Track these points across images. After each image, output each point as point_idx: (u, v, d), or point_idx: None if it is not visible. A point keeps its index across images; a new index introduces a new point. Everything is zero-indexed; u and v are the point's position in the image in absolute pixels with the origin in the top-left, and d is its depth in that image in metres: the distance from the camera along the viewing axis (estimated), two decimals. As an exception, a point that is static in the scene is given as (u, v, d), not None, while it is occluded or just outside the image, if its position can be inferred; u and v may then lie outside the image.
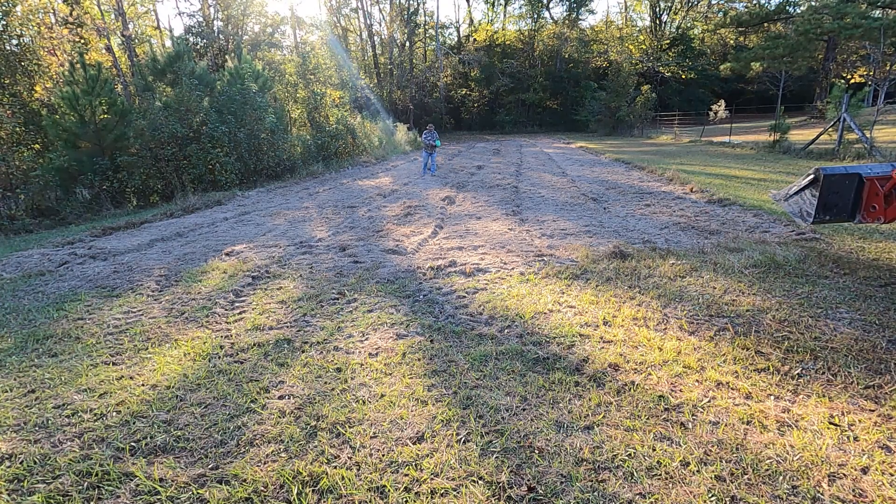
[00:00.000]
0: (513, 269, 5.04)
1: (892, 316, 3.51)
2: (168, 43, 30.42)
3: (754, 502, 1.94)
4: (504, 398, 2.70)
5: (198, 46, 27.10)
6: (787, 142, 16.55)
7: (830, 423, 2.40)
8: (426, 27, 43.93)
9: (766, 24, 35.35)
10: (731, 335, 3.32)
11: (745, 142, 19.98)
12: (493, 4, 49.88)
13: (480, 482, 2.10)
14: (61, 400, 2.88)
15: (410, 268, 5.21)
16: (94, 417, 2.69)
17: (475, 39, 47.50)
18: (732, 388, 2.71)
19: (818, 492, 1.99)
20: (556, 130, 40.00)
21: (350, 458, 2.28)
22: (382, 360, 3.20)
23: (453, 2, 78.15)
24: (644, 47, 44.92)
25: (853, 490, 1.99)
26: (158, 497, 2.09)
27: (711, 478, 2.07)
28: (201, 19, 28.63)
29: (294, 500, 2.05)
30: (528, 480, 2.09)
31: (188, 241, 7.25)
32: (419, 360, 3.18)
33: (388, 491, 2.07)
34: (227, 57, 21.51)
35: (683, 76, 42.15)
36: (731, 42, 45.38)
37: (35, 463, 2.33)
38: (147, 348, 3.55)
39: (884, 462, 2.13)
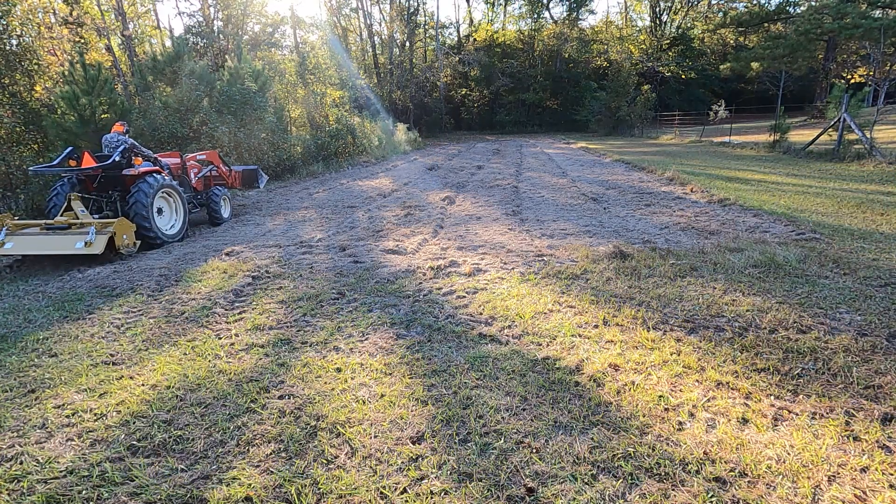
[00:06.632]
0: (513, 269, 5.04)
1: (892, 316, 3.51)
2: (168, 43, 30.40)
3: (754, 502, 1.94)
4: (504, 398, 2.70)
5: (198, 46, 27.08)
6: (787, 142, 16.54)
7: (830, 422, 2.40)
8: (426, 27, 43.88)
9: (766, 24, 35.32)
10: (730, 335, 3.32)
11: (745, 142, 19.98)
12: (493, 4, 49.87)
13: (480, 482, 2.10)
14: (61, 400, 2.88)
15: (410, 268, 5.20)
16: (94, 417, 2.69)
17: (475, 39, 47.47)
18: (732, 388, 2.71)
19: (818, 492, 1.99)
20: (556, 130, 40.00)
21: (350, 459, 2.28)
22: (382, 360, 3.20)
23: (453, 2, 77.97)
24: (644, 47, 44.91)
25: (853, 490, 1.99)
26: (158, 497, 2.09)
27: (711, 478, 2.07)
28: (201, 19, 28.62)
29: (294, 500, 2.05)
30: (528, 481, 2.09)
31: (188, 241, 7.25)
32: (419, 359, 3.18)
33: (388, 491, 2.07)
34: (227, 57, 21.47)
35: (683, 76, 42.13)
36: (731, 42, 45.34)
37: (35, 463, 2.33)
38: (147, 348, 3.55)
39: (884, 462, 2.13)
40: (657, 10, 46.77)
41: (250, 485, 2.13)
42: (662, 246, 5.58)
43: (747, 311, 3.69)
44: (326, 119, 20.19)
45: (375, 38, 40.37)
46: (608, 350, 3.20)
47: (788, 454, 2.19)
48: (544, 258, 5.33)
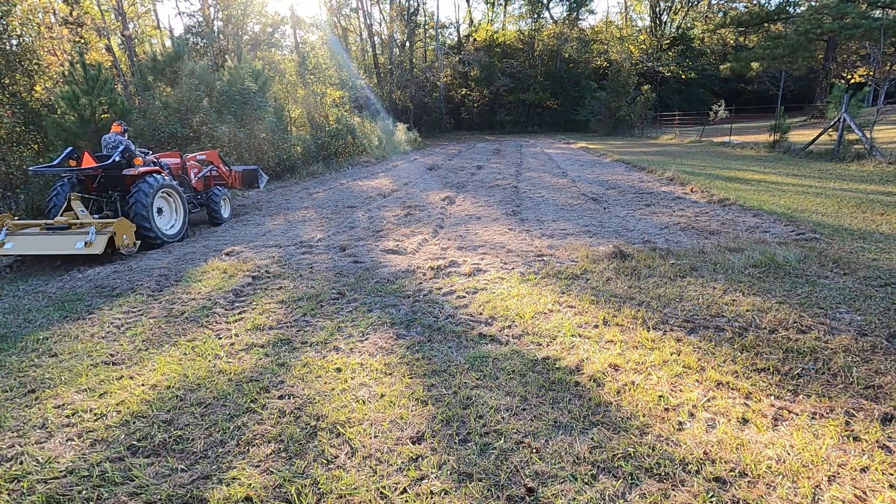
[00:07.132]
0: (513, 269, 5.04)
1: (892, 316, 3.51)
2: (168, 43, 30.40)
3: (754, 502, 1.94)
4: (504, 398, 2.70)
5: (198, 46, 27.08)
6: (787, 142, 16.54)
7: (830, 422, 2.40)
8: (426, 27, 43.87)
9: (766, 24, 35.32)
10: (730, 335, 3.32)
11: (745, 142, 19.98)
12: (493, 4, 49.86)
13: (480, 482, 2.10)
14: (61, 400, 2.88)
15: (410, 268, 5.20)
16: (94, 417, 2.69)
17: (475, 39, 47.46)
18: (732, 388, 2.71)
19: (818, 492, 1.99)
20: (556, 130, 40.00)
21: (350, 459, 2.28)
22: (382, 360, 3.20)
23: (453, 2, 77.96)
24: (644, 47, 44.92)
25: (853, 490, 1.99)
26: (158, 497, 2.09)
27: (711, 478, 2.07)
28: (201, 19, 28.62)
29: (294, 500, 2.05)
30: (528, 481, 2.09)
31: (188, 241, 7.25)
32: (419, 359, 3.18)
33: (388, 491, 2.07)
34: (227, 57, 21.49)
35: (683, 76, 42.13)
36: (731, 42, 45.33)
37: (35, 463, 2.33)
38: (147, 348, 3.55)
39: (884, 462, 2.13)
40: (657, 10, 46.77)
41: (250, 485, 2.13)
42: (662, 246, 5.58)
43: (747, 311, 3.69)
44: (326, 119, 20.18)
45: (375, 38, 40.37)
46: (608, 350, 3.20)
47: (788, 454, 2.19)
48: (544, 258, 5.33)
